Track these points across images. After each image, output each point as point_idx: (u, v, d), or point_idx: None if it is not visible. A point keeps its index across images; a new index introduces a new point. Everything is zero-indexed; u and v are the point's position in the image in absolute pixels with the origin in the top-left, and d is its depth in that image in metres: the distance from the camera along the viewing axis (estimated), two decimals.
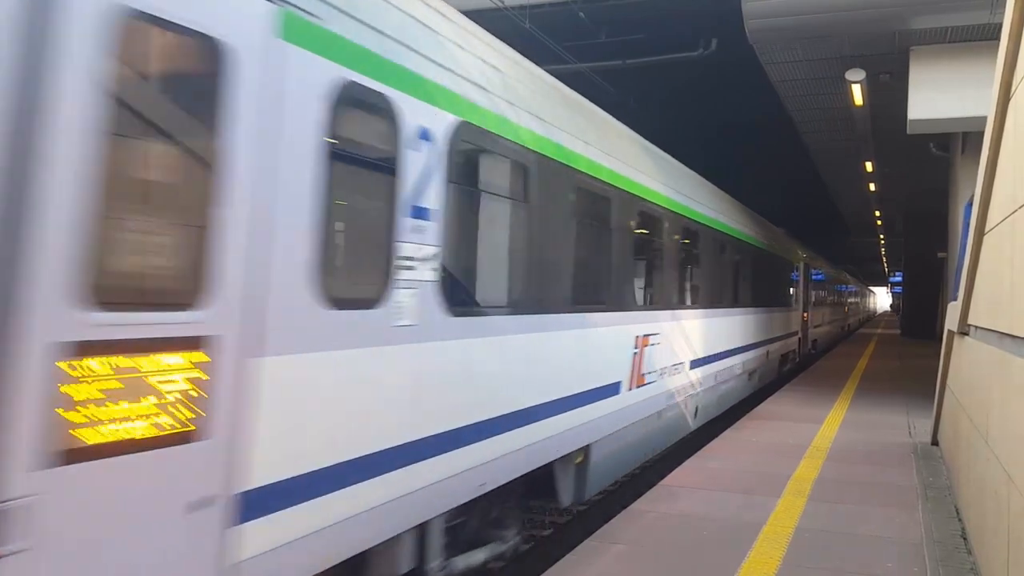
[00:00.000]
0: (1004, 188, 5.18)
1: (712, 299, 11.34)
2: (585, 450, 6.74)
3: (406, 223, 4.13)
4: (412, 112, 4.20)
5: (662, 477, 8.09)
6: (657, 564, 5.45)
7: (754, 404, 13.78)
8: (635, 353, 7.81)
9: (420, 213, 4.24)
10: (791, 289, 20.14)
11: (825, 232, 45.69)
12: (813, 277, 25.56)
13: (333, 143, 3.62)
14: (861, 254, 64.05)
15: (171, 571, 2.83)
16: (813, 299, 25.45)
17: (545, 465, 5.92)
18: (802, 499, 7.19)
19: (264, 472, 3.20)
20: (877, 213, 34.84)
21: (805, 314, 22.56)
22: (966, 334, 7.16)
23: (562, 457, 6.22)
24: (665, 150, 10.52)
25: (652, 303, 8.64)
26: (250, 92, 3.12)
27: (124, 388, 2.62)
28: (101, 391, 2.56)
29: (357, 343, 3.73)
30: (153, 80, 2.93)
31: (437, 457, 4.36)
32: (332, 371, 3.58)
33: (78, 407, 2.49)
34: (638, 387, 7.93)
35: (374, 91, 3.91)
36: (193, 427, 2.87)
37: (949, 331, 8.81)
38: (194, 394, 2.86)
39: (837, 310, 37.25)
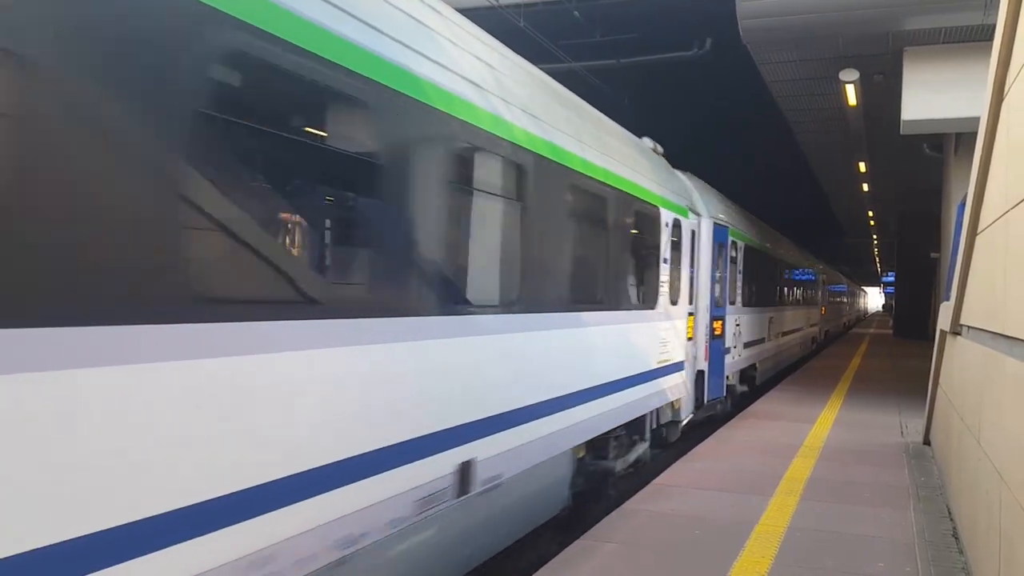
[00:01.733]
0: (996, 188, 5.19)
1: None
2: None
3: None
4: None
5: (655, 476, 8.10)
6: (649, 563, 5.45)
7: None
8: None
9: None
10: (662, 272, 9.24)
11: (820, 232, 45.81)
12: (741, 254, 14.26)
13: None
14: (855, 254, 64.28)
15: None
16: (745, 295, 14.65)
17: None
18: (794, 498, 7.20)
19: None
20: (870, 213, 34.92)
21: (719, 323, 12.27)
22: (958, 334, 7.17)
23: None
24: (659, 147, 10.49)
25: None
26: None
27: None
28: None
29: None
30: None
31: None
32: None
33: None
34: None
35: None
36: None
37: (941, 331, 8.84)
38: None
39: (803, 313, 24.32)
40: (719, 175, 16.82)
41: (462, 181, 4.97)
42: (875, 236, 47.79)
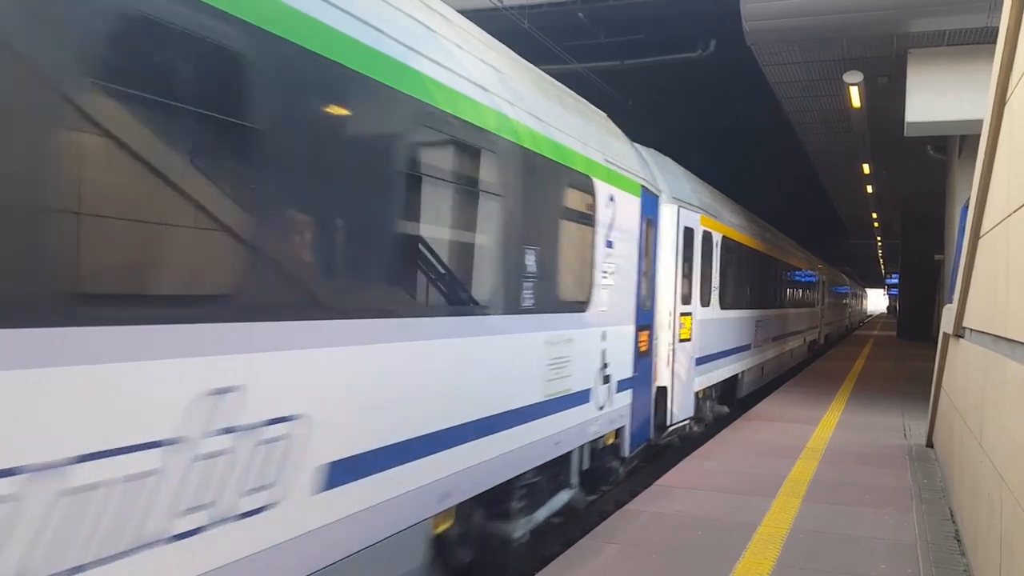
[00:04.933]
0: (999, 192, 5.20)
1: None
2: None
3: None
4: None
5: (658, 477, 8.11)
6: (652, 563, 5.46)
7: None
8: None
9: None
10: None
11: (824, 233, 45.74)
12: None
13: None
14: (858, 255, 64.12)
15: None
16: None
17: None
18: (797, 500, 7.21)
19: None
20: (874, 215, 34.86)
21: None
22: (961, 336, 7.18)
23: None
24: (663, 151, 10.51)
25: None
26: None
27: None
28: None
29: None
30: None
31: None
32: None
33: None
34: None
35: None
36: None
37: (944, 333, 8.84)
38: None
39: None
40: (723, 176, 16.80)
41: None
42: (879, 238, 47.67)
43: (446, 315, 4.61)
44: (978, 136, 6.48)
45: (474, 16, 6.21)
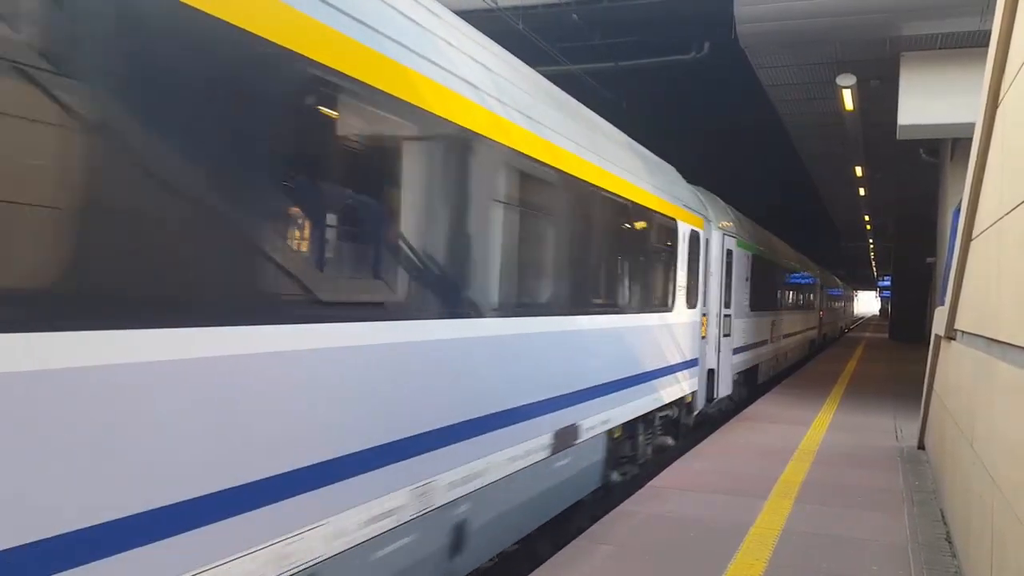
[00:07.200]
0: (991, 194, 5.22)
1: None
2: None
3: None
4: None
5: (651, 478, 8.12)
6: (645, 565, 5.47)
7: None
8: None
9: None
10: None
11: (818, 236, 45.89)
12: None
13: None
14: (852, 258, 64.36)
15: None
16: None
17: None
18: (789, 501, 7.23)
19: None
20: (867, 217, 35.01)
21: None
22: (953, 339, 7.21)
23: None
24: (656, 152, 10.52)
25: None
26: None
27: None
28: None
29: None
30: None
31: None
32: None
33: None
34: None
35: None
36: None
37: (936, 335, 8.87)
38: None
39: None
40: (717, 178, 16.84)
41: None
42: (871, 241, 47.90)
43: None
44: (970, 139, 6.51)
45: (468, 17, 6.19)
